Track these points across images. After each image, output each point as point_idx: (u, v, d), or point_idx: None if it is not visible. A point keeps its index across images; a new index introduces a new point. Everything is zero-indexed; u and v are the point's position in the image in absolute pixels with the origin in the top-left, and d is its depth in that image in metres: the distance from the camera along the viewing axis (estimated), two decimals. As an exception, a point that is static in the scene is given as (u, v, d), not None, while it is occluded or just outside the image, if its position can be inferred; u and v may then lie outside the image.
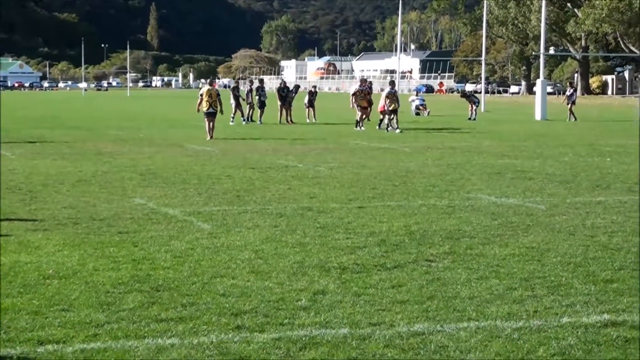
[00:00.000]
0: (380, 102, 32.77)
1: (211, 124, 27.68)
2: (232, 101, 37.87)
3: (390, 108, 31.72)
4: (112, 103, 72.97)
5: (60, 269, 8.78)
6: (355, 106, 33.49)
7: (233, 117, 37.19)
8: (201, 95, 27.95)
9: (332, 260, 9.31)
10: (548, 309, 7.41)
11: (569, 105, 43.62)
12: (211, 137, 27.38)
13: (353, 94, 34.10)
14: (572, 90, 45.32)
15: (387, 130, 31.75)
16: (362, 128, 32.94)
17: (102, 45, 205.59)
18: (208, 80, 30.28)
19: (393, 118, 31.92)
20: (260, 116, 37.74)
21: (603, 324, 6.94)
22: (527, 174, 17.76)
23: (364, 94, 33.52)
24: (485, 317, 7.14)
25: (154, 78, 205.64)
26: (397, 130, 31.40)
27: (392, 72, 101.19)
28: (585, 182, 16.44)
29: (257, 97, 38.37)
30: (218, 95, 27.71)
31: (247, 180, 16.53)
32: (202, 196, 14.32)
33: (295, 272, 8.75)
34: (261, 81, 41.74)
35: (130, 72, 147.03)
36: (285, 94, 38.63)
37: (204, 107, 27.56)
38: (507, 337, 6.59)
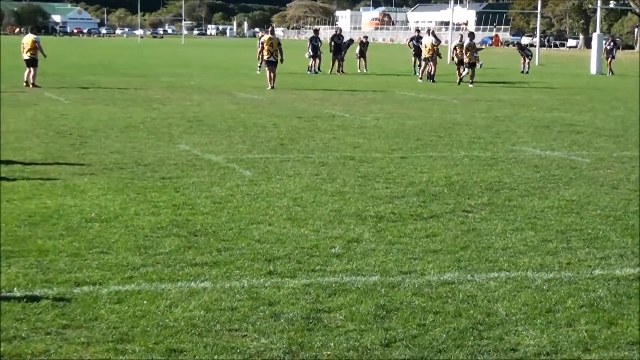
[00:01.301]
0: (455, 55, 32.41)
1: (272, 73, 27.45)
2: (309, 52, 37.70)
3: (471, 61, 30.96)
4: (166, 50, 73.29)
5: (103, 212, 8.97)
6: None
7: (311, 69, 37.37)
8: (262, 43, 27.91)
9: (370, 209, 9.37)
10: (581, 261, 7.41)
11: (609, 60, 42.72)
12: (272, 87, 27.17)
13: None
14: (612, 45, 44.21)
15: (466, 84, 30.77)
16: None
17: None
18: (269, 29, 29.95)
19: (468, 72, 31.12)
20: (319, 66, 37.79)
21: (636, 276, 6.92)
22: (575, 128, 17.57)
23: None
24: (516, 268, 7.16)
25: (209, 26, 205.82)
26: (471, 85, 30.62)
27: (447, 23, 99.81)
28: (635, 136, 16.22)
29: (311, 47, 38.07)
30: (279, 44, 27.62)
31: (293, 129, 16.61)
32: (246, 144, 14.44)
33: (331, 220, 8.83)
34: (316, 31, 41.45)
35: (185, 20, 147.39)
36: (340, 43, 38.35)
37: (265, 55, 27.48)
38: (536, 288, 6.61)
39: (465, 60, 30.93)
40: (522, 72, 42.28)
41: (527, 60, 43.32)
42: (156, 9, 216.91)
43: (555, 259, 7.46)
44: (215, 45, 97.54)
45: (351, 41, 41.25)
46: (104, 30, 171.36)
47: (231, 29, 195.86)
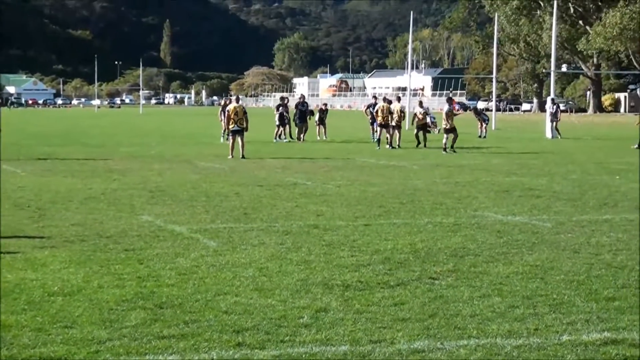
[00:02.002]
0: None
1: (240, 141, 27.35)
2: (277, 118, 37.89)
3: (450, 127, 30.90)
4: (124, 120, 73.29)
5: (65, 286, 8.86)
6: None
7: (279, 136, 37.60)
8: (228, 111, 28.00)
9: (336, 277, 9.35)
10: (549, 326, 7.43)
11: (554, 123, 43.56)
12: (243, 156, 27.00)
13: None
14: (555, 108, 45.11)
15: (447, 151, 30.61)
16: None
17: (116, 62, 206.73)
18: (235, 97, 30.22)
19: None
20: (290, 133, 38.04)
21: (603, 342, 6.95)
22: (534, 192, 17.77)
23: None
24: (485, 335, 7.17)
25: (167, 95, 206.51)
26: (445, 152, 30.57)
27: (404, 89, 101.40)
28: (593, 200, 16.45)
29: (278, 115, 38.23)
30: (245, 112, 27.72)
31: (255, 198, 16.61)
32: (209, 213, 14.40)
33: (298, 289, 8.80)
34: (282, 99, 41.58)
35: (143, 90, 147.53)
36: (304, 110, 38.62)
37: (231, 124, 27.53)
38: (506, 355, 6.61)
39: (446, 126, 30.92)
40: (480, 136, 42.84)
41: (484, 125, 43.94)
42: (113, 79, 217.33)
43: (523, 325, 7.48)
44: (174, 114, 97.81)
45: (311, 112, 41.41)
46: (59, 101, 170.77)
47: (189, 98, 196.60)
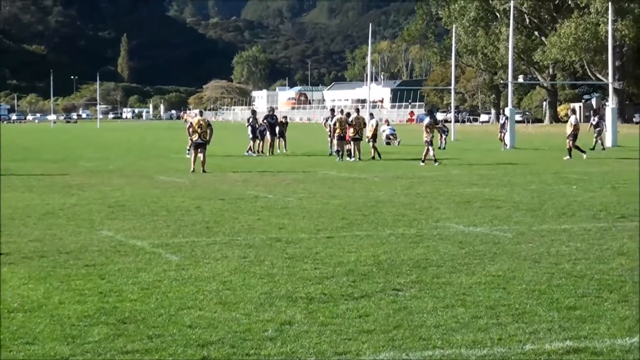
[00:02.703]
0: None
1: (202, 155, 27.25)
2: (250, 132, 37.82)
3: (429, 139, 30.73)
4: (81, 135, 72.72)
5: (25, 302, 8.75)
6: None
7: (250, 150, 37.47)
8: (191, 123, 27.87)
9: (300, 290, 9.34)
10: (512, 336, 7.48)
11: (502, 134, 44.31)
12: (204, 171, 26.84)
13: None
14: (505, 119, 45.64)
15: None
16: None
17: (72, 77, 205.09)
18: (199, 111, 30.22)
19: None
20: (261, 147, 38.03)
21: (565, 350, 7.01)
22: (494, 203, 17.91)
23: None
24: (450, 345, 7.19)
25: (124, 110, 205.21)
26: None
27: (363, 101, 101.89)
28: (551, 210, 16.61)
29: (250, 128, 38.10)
30: (209, 125, 27.63)
31: (217, 212, 16.55)
32: (170, 228, 14.32)
33: (262, 302, 8.77)
34: (254, 112, 41.39)
35: (100, 104, 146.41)
36: (273, 123, 38.47)
37: (194, 137, 27.40)
38: (471, 365, 6.64)
39: (427, 138, 30.80)
40: (440, 148, 43.09)
41: (443, 137, 44.25)
42: (69, 94, 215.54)
43: (487, 335, 7.53)
44: (132, 129, 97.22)
45: (281, 124, 41.14)
46: (14, 117, 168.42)
47: (147, 112, 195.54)
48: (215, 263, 10.96)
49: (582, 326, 7.77)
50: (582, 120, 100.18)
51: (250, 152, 37.63)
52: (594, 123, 45.10)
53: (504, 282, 9.72)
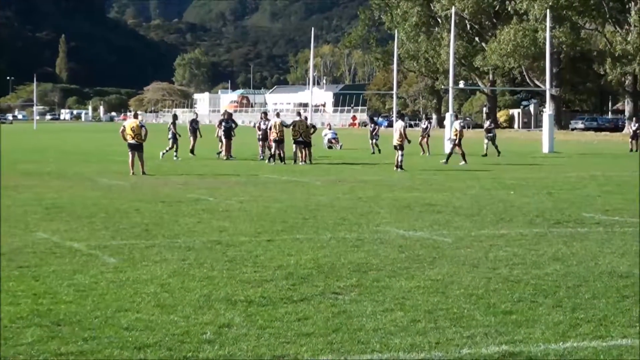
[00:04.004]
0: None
1: (139, 157, 26.77)
2: (170, 136, 36.99)
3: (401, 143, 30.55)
4: (18, 136, 71.54)
5: (-41, 305, 8.56)
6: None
7: (166, 152, 36.71)
8: (124, 127, 27.56)
9: (239, 293, 9.30)
10: (450, 340, 7.53)
11: (424, 139, 43.20)
12: (143, 172, 26.53)
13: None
14: (427, 124, 45.31)
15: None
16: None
17: (8, 78, 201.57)
18: (133, 113, 29.89)
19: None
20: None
21: (501, 354, 7.08)
22: (435, 207, 18.04)
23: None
24: (388, 349, 7.22)
25: (62, 111, 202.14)
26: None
27: (305, 105, 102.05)
28: (490, 215, 16.79)
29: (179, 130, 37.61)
30: (142, 127, 27.30)
31: (157, 214, 16.40)
32: (109, 230, 14.15)
33: (201, 305, 8.71)
34: (225, 113, 40.72)
35: (37, 105, 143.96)
36: (229, 127, 37.34)
37: (128, 138, 27.08)
38: (409, 369, 6.67)
39: (400, 141, 30.54)
40: (380, 152, 43.26)
41: (373, 141, 44.46)
42: (5, 94, 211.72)
43: (425, 338, 7.57)
44: (71, 130, 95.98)
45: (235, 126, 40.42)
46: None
47: (86, 113, 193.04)
48: (154, 266, 10.86)
49: (518, 330, 7.85)
50: (521, 127, 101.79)
51: (223, 153, 36.83)
52: (487, 127, 44.04)
53: (442, 287, 9.78)
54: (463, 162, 33.58)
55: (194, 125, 39.00)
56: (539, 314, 8.47)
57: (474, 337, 7.61)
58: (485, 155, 41.02)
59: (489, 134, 43.06)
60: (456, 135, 35.05)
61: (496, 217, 16.37)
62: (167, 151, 36.64)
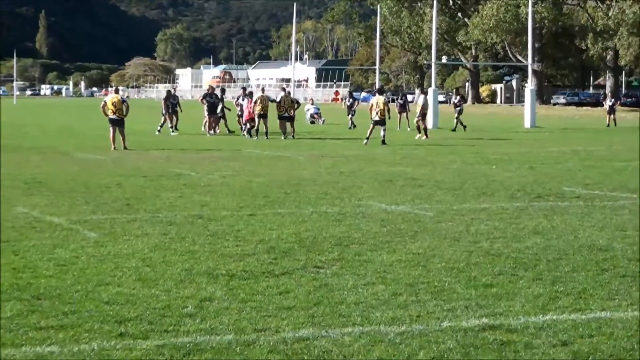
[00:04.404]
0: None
1: (121, 132, 26.67)
2: (164, 110, 36.79)
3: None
4: None
5: (-62, 279, 8.51)
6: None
7: (161, 127, 36.42)
8: (105, 102, 27.39)
9: (221, 267, 9.29)
10: (430, 313, 7.55)
11: (402, 114, 43.34)
12: (125, 147, 26.43)
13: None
14: (404, 99, 45.01)
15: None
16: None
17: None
18: (114, 89, 29.74)
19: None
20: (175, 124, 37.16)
21: (481, 327, 7.10)
22: (417, 182, 18.06)
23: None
24: (369, 322, 7.23)
25: (43, 86, 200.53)
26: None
27: (288, 80, 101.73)
28: (472, 189, 16.82)
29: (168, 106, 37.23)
30: (123, 102, 27.13)
31: (138, 189, 16.34)
32: (89, 205, 14.08)
33: (182, 279, 8.70)
34: (211, 88, 40.26)
35: (17, 80, 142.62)
36: (213, 102, 36.90)
37: (109, 113, 26.92)
38: (389, 342, 6.68)
39: (383, 116, 30.23)
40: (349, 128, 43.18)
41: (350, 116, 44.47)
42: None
43: (406, 312, 7.58)
44: (52, 106, 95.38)
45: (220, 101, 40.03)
46: None
47: (67, 89, 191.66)
48: (135, 240, 10.83)
49: (498, 303, 7.88)
50: (503, 102, 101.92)
51: (205, 128, 36.39)
52: (455, 102, 43.76)
53: (424, 260, 9.80)
54: (422, 136, 33.61)
55: (172, 101, 38.55)
56: (519, 287, 8.50)
57: (454, 310, 7.64)
58: (454, 130, 40.96)
59: (457, 109, 42.83)
60: (422, 110, 35.07)
61: (478, 191, 16.41)
62: (161, 126, 36.51)
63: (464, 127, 41.32)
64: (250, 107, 33.58)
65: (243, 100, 35.54)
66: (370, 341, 6.68)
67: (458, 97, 44.41)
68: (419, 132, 34.49)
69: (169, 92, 39.03)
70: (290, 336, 6.79)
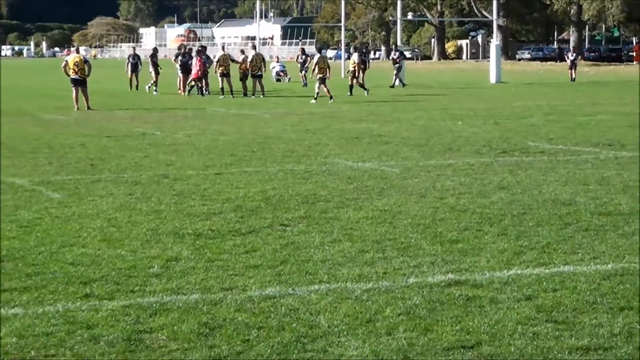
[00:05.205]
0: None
1: (83, 92, 26.33)
2: (151, 69, 36.15)
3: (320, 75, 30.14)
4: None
5: None
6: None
7: (151, 86, 35.80)
8: (67, 61, 27.00)
9: (187, 227, 9.25)
10: (397, 270, 7.58)
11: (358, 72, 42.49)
12: (88, 107, 26.08)
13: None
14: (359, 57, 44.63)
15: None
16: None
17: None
18: (74, 48, 29.41)
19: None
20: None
21: (447, 283, 7.15)
22: (383, 138, 18.07)
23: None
24: (336, 280, 7.25)
25: (3, 47, 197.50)
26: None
27: (253, 38, 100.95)
28: (438, 145, 16.86)
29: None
30: (85, 62, 26.78)
31: (102, 149, 16.20)
32: (52, 165, 13.94)
33: (148, 239, 8.66)
34: (181, 47, 39.58)
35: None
36: (187, 61, 36.11)
37: (71, 73, 26.55)
38: (356, 299, 6.71)
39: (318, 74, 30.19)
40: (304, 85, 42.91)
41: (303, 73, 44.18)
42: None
43: (373, 269, 7.61)
44: (12, 67, 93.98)
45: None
46: None
47: (28, 49, 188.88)
48: (100, 200, 10.74)
49: (464, 259, 7.93)
50: (469, 58, 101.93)
51: (187, 89, 35.62)
52: (394, 58, 43.13)
53: (390, 217, 9.83)
54: (360, 93, 33.49)
55: (134, 59, 38.24)
56: (484, 243, 8.56)
57: (420, 267, 7.67)
58: (392, 87, 40.84)
59: (396, 65, 42.45)
60: (354, 67, 34.89)
61: (444, 148, 16.45)
62: (152, 84, 35.93)
63: (403, 84, 41.09)
64: (200, 66, 33.29)
65: (187, 58, 34.92)
66: (337, 298, 6.70)
67: (397, 54, 43.51)
68: (350, 92, 33.85)
69: (155, 49, 38.88)
70: (257, 294, 6.79)
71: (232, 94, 32.63)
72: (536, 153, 15.61)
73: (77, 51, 28.44)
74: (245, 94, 33.30)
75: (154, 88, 35.96)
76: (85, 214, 9.92)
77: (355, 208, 10.33)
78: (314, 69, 30.75)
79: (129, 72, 38.52)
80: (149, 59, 37.23)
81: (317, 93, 30.07)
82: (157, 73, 36.22)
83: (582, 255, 8.04)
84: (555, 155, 15.32)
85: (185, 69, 35.36)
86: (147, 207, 10.36)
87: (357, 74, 34.53)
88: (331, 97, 29.67)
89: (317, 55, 31.98)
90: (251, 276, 7.31)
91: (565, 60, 57.65)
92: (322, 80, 30.25)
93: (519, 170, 13.38)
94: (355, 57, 35.95)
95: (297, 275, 7.36)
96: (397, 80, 42.06)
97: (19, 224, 9.31)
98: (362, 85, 34.51)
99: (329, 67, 30.89)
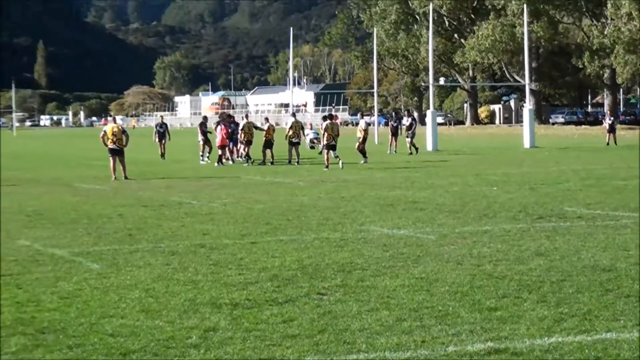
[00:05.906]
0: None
1: (121, 162, 26.67)
2: (200, 138, 36.13)
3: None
4: None
5: (-59, 315, 8.49)
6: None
7: (203, 155, 35.74)
8: (105, 132, 27.38)
9: (224, 296, 9.28)
10: (435, 338, 7.54)
11: (409, 139, 41.73)
12: (126, 177, 26.41)
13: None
14: (397, 122, 44.13)
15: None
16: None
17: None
18: (112, 118, 29.98)
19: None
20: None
21: (487, 351, 7.09)
22: (418, 205, 18.06)
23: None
24: (374, 349, 7.21)
25: (42, 117, 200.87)
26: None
27: (287, 105, 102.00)
28: (473, 211, 16.82)
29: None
30: (123, 132, 27.16)
31: (140, 219, 16.34)
32: (91, 236, 14.08)
33: (186, 309, 8.69)
34: (224, 114, 40.03)
35: (16, 112, 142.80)
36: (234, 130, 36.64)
37: (109, 143, 26.94)
38: (395, 368, 6.67)
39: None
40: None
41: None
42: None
43: (411, 337, 7.57)
44: (51, 136, 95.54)
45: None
46: None
47: (67, 119, 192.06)
48: (137, 270, 10.82)
49: (503, 327, 7.86)
50: (502, 122, 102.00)
51: (203, 158, 35.80)
52: (407, 125, 42.46)
53: (427, 284, 9.79)
54: (363, 161, 33.46)
55: (161, 128, 39.05)
56: (524, 310, 8.49)
57: (459, 335, 7.62)
58: (411, 154, 40.52)
59: (409, 132, 42.01)
60: (362, 133, 34.94)
61: (479, 214, 16.41)
62: (207, 154, 35.76)
63: (417, 149, 40.85)
64: (224, 134, 33.57)
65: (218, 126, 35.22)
66: (375, 368, 6.66)
67: (409, 120, 42.93)
68: (365, 158, 33.98)
69: (205, 117, 39.63)
70: (295, 365, 6.78)
71: (248, 160, 33.22)
72: (573, 218, 15.52)
73: (114, 120, 28.88)
74: (263, 162, 33.59)
75: (207, 155, 35.78)
76: (123, 284, 9.99)
77: (392, 276, 10.31)
78: (323, 135, 31.18)
79: (156, 140, 39.15)
80: (198, 128, 37.37)
81: (330, 158, 30.34)
82: (206, 141, 36.08)
83: (624, 322, 7.95)
84: (593, 220, 15.22)
85: (230, 137, 35.34)
86: (184, 277, 10.41)
87: (364, 140, 34.73)
88: (327, 166, 30.00)
89: (326, 122, 31.95)
90: (289, 346, 7.30)
91: (601, 124, 57.39)
92: (329, 147, 30.74)
93: (557, 236, 13.30)
94: (362, 123, 36.05)
95: (335, 345, 7.34)
96: (412, 147, 41.49)
97: (60, 295, 9.39)
98: (362, 151, 34.35)
99: (338, 133, 31.36)
